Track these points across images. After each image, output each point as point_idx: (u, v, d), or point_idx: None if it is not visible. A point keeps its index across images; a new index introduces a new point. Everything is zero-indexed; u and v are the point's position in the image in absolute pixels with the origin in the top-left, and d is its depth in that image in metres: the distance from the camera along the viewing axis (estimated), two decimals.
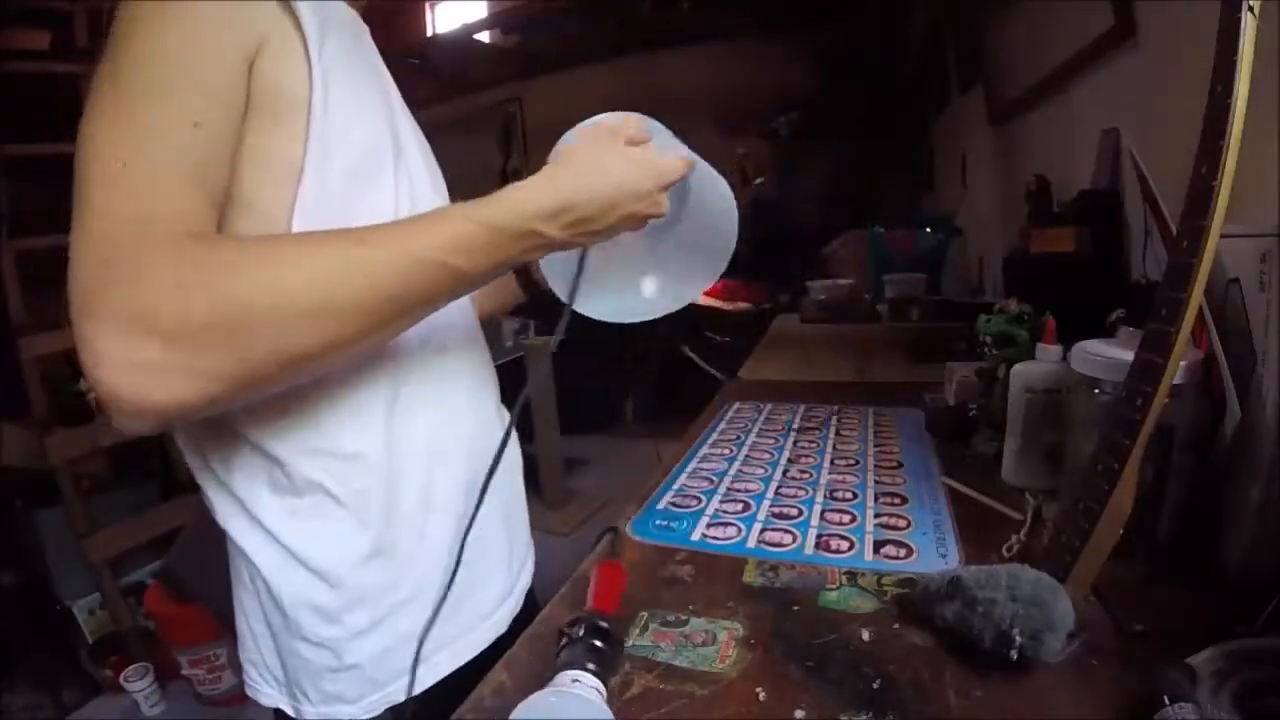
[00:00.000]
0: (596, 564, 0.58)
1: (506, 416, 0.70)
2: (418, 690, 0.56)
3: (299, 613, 0.53)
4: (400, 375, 0.55)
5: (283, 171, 0.48)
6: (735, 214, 0.59)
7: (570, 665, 0.43)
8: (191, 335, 0.37)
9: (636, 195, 0.51)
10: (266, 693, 0.58)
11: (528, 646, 0.52)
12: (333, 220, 0.49)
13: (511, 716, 0.40)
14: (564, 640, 0.46)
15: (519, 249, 0.48)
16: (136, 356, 0.36)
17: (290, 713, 0.56)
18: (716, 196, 0.59)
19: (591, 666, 0.43)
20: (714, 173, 0.58)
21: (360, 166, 0.52)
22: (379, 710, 0.56)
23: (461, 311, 0.65)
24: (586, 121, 0.59)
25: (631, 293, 0.64)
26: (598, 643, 0.45)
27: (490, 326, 0.82)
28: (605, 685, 0.43)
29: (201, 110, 0.42)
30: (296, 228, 0.47)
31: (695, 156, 0.57)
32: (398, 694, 0.56)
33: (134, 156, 0.40)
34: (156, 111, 0.41)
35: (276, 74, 0.47)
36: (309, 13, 0.48)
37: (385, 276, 0.43)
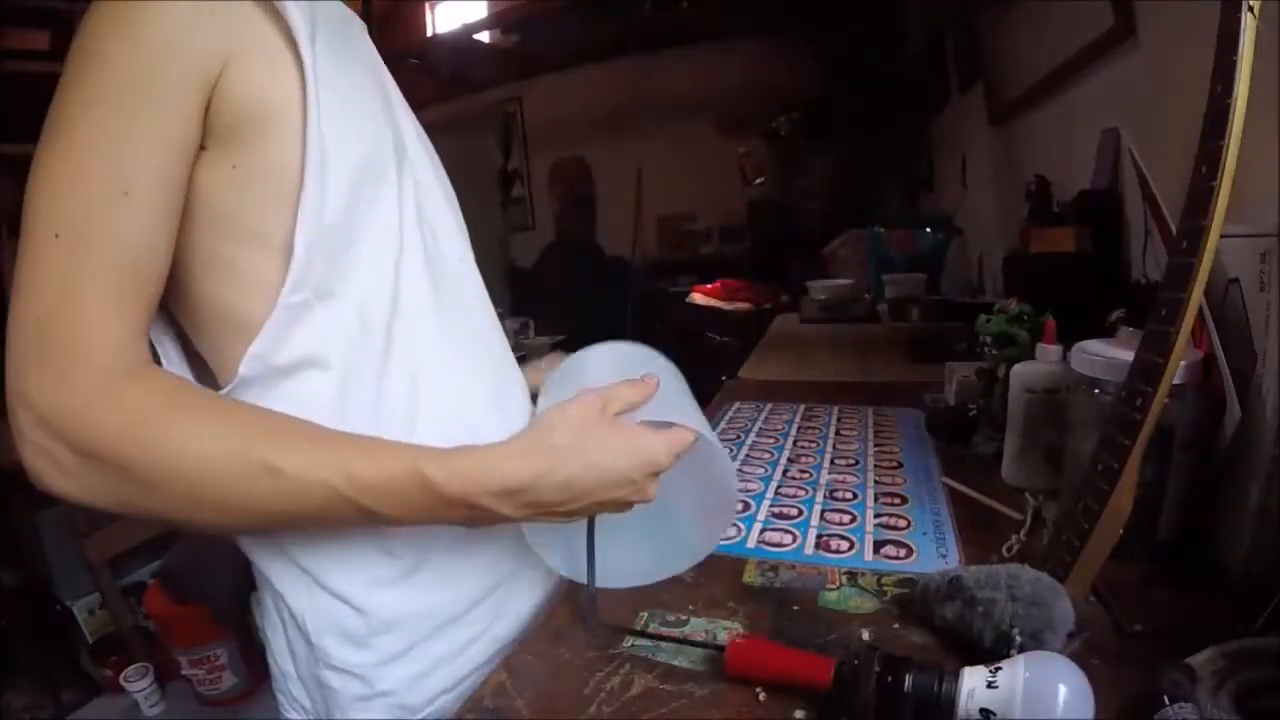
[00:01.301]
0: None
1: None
2: (450, 714, 0.54)
3: (324, 639, 0.51)
4: (419, 392, 0.53)
5: (275, 187, 0.45)
6: (734, 490, 0.55)
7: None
8: (90, 458, 0.39)
9: (618, 483, 0.46)
10: (295, 710, 0.56)
11: (528, 647, 0.52)
12: (337, 236, 0.47)
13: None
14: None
15: (457, 516, 0.44)
16: (43, 444, 0.39)
17: None
18: (717, 472, 0.53)
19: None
20: (716, 446, 0.50)
21: (361, 176, 0.49)
22: None
23: (483, 312, 0.63)
24: (592, 355, 0.57)
25: (618, 556, 0.55)
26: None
27: None
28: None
29: (130, 176, 0.40)
30: (299, 246, 0.45)
31: (700, 428, 0.50)
32: (433, 716, 0.54)
33: (66, 228, 0.40)
34: (88, 175, 0.40)
35: (256, 86, 0.44)
36: (298, 14, 0.45)
37: (290, 499, 0.41)
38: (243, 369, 0.46)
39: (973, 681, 0.38)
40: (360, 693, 0.52)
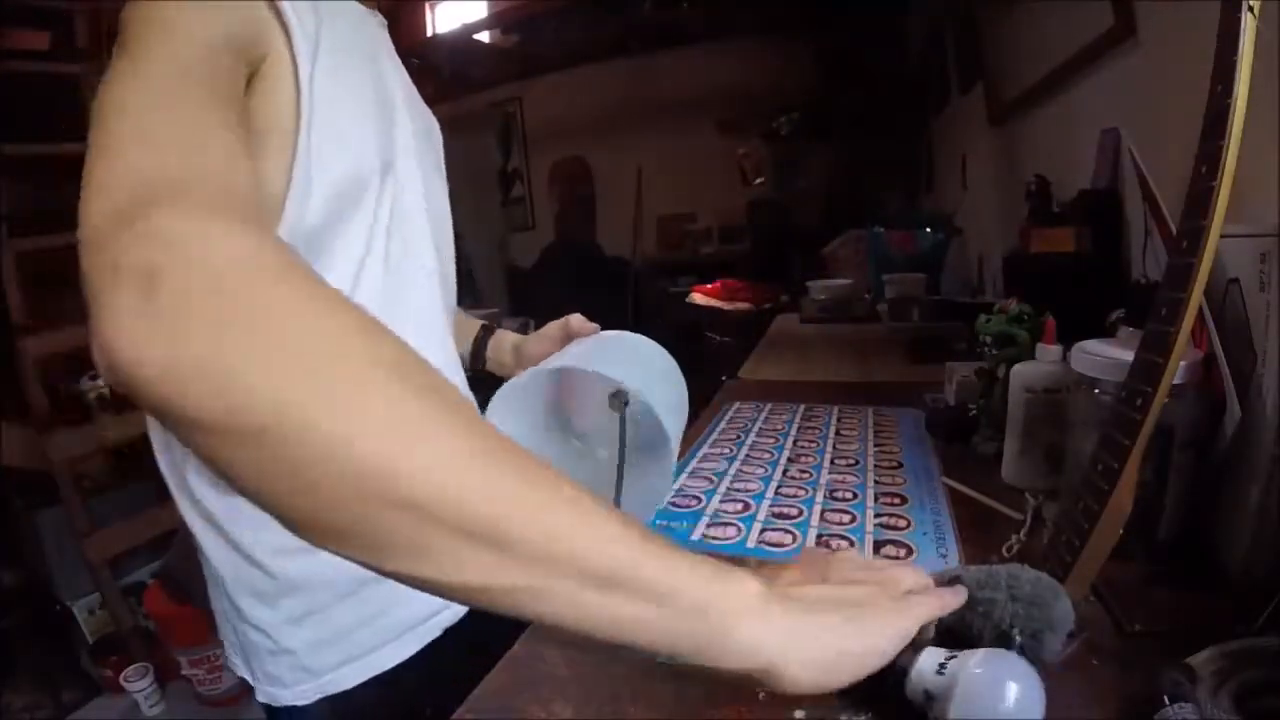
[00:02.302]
0: None
1: (473, 400, 0.70)
2: (349, 684, 0.58)
3: (240, 597, 0.56)
4: None
5: (266, 204, 0.46)
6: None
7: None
8: (188, 346, 0.25)
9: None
10: (239, 664, 0.61)
11: (528, 647, 0.52)
12: (307, 246, 0.48)
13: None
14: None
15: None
16: (128, 320, 0.25)
17: (252, 681, 0.60)
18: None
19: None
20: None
21: (340, 194, 0.50)
22: (312, 699, 0.57)
23: (432, 322, 0.64)
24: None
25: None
26: None
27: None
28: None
29: (225, 101, 0.38)
30: None
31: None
32: (332, 685, 0.58)
33: (170, 105, 0.34)
34: (186, 92, 0.36)
35: (269, 97, 0.45)
36: (303, 34, 0.45)
37: (500, 492, 0.27)
38: None
39: (928, 661, 0.38)
40: (269, 648, 0.57)
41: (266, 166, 0.46)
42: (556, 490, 0.28)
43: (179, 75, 0.36)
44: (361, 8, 0.58)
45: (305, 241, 0.48)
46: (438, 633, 0.63)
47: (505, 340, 0.80)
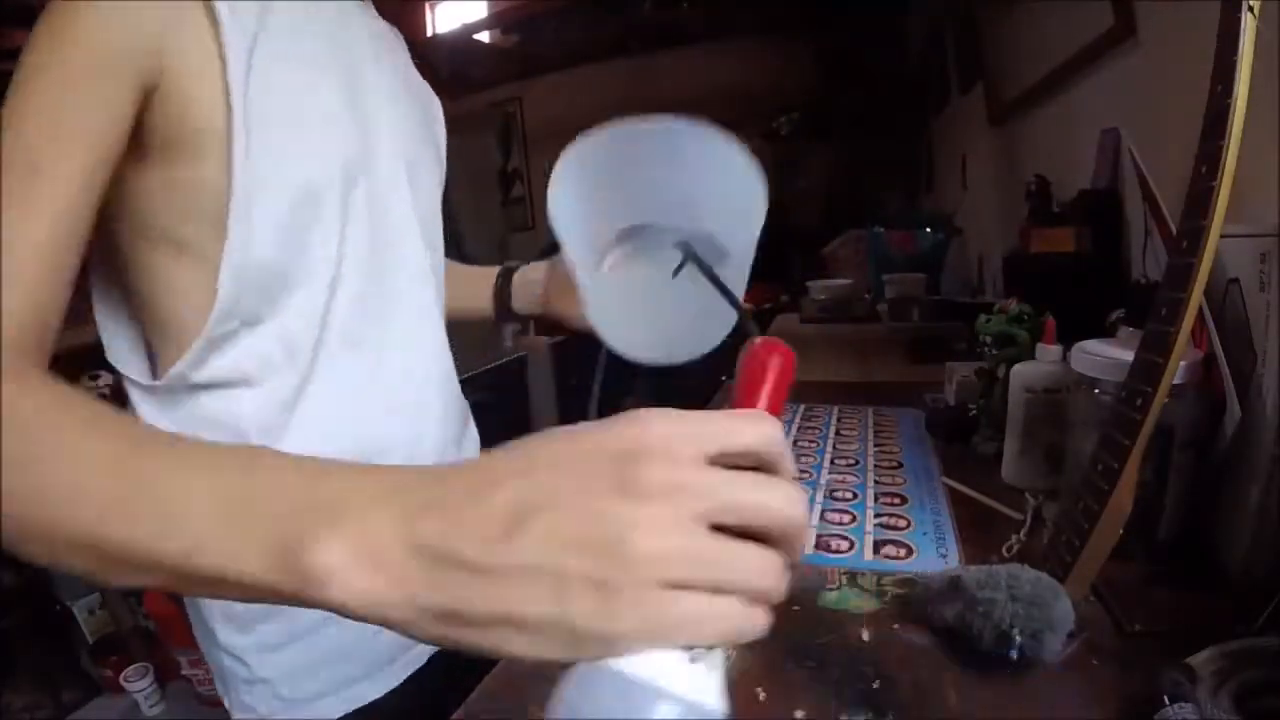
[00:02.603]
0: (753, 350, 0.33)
1: (465, 406, 0.68)
2: (333, 716, 0.55)
3: (214, 620, 0.53)
4: (337, 413, 0.53)
5: (213, 211, 0.44)
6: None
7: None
8: None
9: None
10: (220, 690, 0.58)
11: None
12: (268, 269, 0.46)
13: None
14: None
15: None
16: None
17: (229, 709, 0.57)
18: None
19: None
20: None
21: (300, 202, 0.47)
22: None
23: (422, 325, 0.61)
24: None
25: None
26: None
27: (489, 325, 0.80)
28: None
29: (57, 159, 0.38)
30: (224, 286, 0.45)
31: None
32: (314, 717, 0.54)
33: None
34: (15, 157, 0.37)
35: (193, 101, 0.42)
36: (236, 28, 0.42)
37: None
38: (162, 382, 0.48)
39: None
40: (245, 676, 0.54)
41: (207, 165, 0.43)
42: (142, 504, 0.27)
43: (30, 145, 0.37)
44: None
45: (263, 264, 0.46)
46: (423, 661, 0.61)
47: (530, 273, 0.74)
